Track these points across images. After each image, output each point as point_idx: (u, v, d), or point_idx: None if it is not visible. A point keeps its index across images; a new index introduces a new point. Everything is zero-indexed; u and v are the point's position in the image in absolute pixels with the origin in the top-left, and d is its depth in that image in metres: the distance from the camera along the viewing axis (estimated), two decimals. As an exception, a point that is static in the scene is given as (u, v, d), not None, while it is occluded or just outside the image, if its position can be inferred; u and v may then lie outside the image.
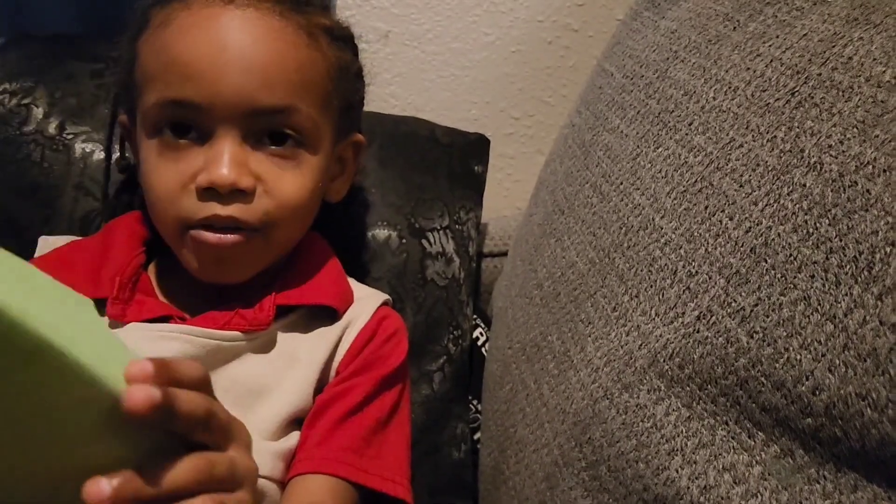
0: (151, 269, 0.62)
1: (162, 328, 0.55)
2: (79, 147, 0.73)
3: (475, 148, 0.86)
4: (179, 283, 0.60)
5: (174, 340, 0.54)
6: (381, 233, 0.76)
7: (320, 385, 0.58)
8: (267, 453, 0.53)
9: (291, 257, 0.63)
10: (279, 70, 0.55)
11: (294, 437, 0.56)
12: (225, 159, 0.53)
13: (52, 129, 0.73)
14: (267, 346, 0.57)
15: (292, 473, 0.55)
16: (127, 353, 0.34)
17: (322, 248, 0.66)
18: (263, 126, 0.55)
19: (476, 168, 0.84)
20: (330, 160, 0.62)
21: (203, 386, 0.38)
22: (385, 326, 0.62)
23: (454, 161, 0.83)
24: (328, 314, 0.60)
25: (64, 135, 0.73)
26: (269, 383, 0.56)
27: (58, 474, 0.32)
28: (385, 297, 0.65)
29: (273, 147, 0.56)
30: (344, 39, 0.63)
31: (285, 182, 0.56)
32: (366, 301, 0.63)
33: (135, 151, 0.62)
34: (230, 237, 0.54)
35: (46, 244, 0.64)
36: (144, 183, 0.58)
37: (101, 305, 0.54)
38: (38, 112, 0.74)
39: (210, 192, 0.53)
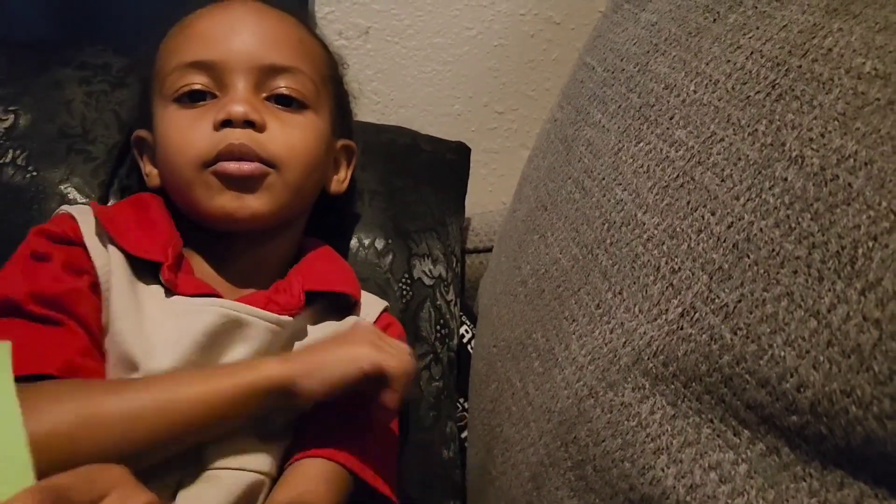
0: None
1: (213, 302, 0.56)
2: (66, 153, 0.72)
3: (456, 155, 0.86)
4: (207, 274, 0.62)
5: (219, 316, 0.55)
6: (366, 234, 0.76)
7: None
8: (264, 448, 0.54)
9: (302, 256, 0.65)
10: (284, 37, 0.63)
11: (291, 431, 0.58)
12: (239, 98, 0.59)
13: (39, 135, 0.72)
14: (297, 336, 0.60)
15: (292, 459, 0.56)
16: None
17: (330, 251, 0.69)
18: (271, 85, 0.61)
19: (458, 174, 0.85)
20: (330, 138, 0.66)
21: None
22: (390, 333, 0.63)
23: (435, 166, 0.83)
24: (336, 311, 0.63)
25: (51, 141, 0.72)
26: None
27: None
28: (385, 303, 0.68)
29: (279, 107, 0.61)
30: (338, 63, 0.71)
31: (290, 130, 0.61)
32: (369, 306, 0.66)
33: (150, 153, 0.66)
34: (248, 165, 0.58)
35: (81, 211, 0.60)
36: (162, 142, 0.61)
37: (154, 268, 0.57)
38: (25, 118, 0.73)
39: (225, 126, 0.58)
